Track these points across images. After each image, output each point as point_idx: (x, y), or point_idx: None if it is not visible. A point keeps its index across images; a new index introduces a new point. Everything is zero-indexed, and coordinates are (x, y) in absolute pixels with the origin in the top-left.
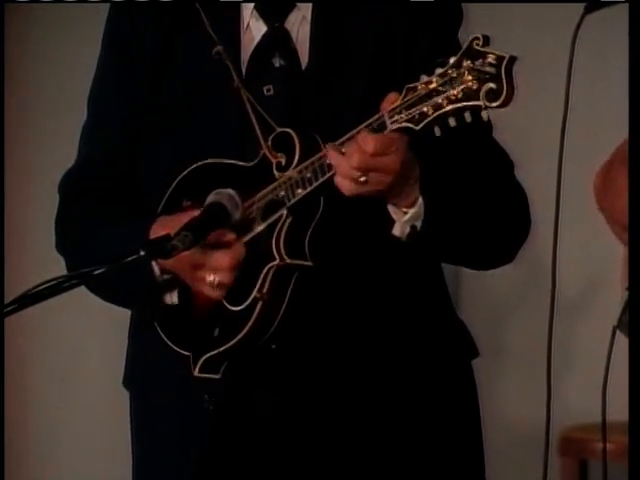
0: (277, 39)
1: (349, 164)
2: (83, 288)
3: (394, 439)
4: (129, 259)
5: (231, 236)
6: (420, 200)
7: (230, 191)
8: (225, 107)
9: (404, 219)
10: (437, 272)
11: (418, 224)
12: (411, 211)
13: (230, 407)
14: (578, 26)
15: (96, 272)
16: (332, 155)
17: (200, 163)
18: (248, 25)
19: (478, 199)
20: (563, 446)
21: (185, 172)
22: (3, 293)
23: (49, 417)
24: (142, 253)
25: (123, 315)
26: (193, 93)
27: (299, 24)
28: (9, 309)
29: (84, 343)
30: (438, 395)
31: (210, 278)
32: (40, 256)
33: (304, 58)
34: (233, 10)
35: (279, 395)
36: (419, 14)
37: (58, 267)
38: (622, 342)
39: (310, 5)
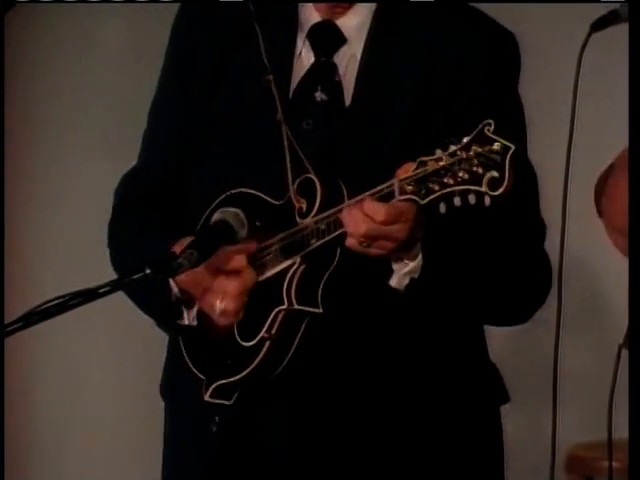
0: (322, 73)
1: (357, 231)
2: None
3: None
4: (134, 277)
5: (242, 263)
6: (420, 256)
7: (236, 210)
8: (266, 135)
9: (403, 271)
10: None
11: (416, 276)
12: (411, 264)
13: (235, 431)
14: (584, 45)
15: (100, 290)
16: (343, 217)
17: (235, 191)
18: (300, 54)
19: (492, 261)
20: (569, 464)
21: (221, 198)
22: (3, 311)
23: (54, 432)
24: (147, 271)
25: (128, 331)
26: (239, 115)
27: (348, 60)
28: (15, 327)
29: (89, 359)
30: (464, 440)
31: (219, 305)
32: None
33: (348, 95)
34: (290, 36)
35: (287, 423)
36: (474, 61)
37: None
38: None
39: (362, 43)
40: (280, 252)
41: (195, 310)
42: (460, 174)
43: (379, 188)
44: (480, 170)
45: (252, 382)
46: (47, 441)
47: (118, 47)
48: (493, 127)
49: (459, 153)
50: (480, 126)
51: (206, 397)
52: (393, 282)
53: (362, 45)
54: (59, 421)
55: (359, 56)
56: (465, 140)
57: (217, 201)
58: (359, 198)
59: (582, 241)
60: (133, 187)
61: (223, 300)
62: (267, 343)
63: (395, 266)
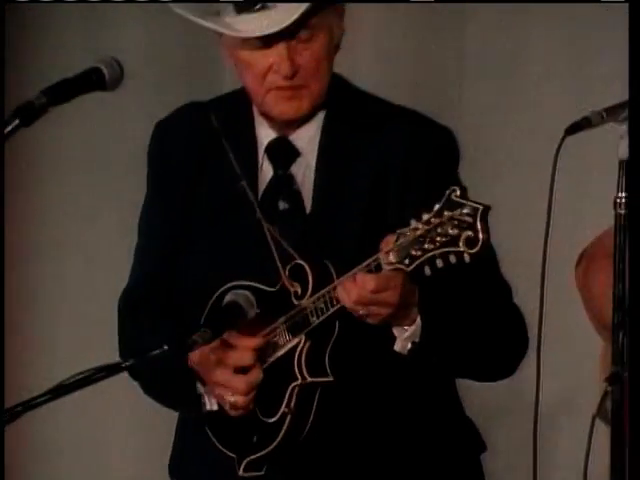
0: (281, 184)
1: (350, 300)
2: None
3: None
4: (154, 352)
5: (250, 360)
6: (419, 319)
7: (246, 292)
8: (246, 232)
9: (404, 336)
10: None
11: (417, 340)
12: (411, 329)
13: None
14: (559, 148)
15: (124, 365)
16: (339, 292)
17: (235, 283)
18: (262, 166)
19: (477, 320)
20: None
21: (221, 290)
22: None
23: None
24: (165, 347)
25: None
26: (219, 218)
27: (304, 170)
28: (45, 398)
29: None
30: None
31: (229, 398)
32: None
33: (308, 202)
34: (252, 151)
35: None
36: (416, 158)
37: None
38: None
39: (315, 153)
40: (286, 333)
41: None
42: (438, 238)
43: (367, 262)
44: (455, 232)
45: (279, 453)
46: None
47: None
48: (459, 192)
49: (433, 220)
50: (447, 193)
51: (240, 472)
52: (397, 347)
53: (315, 155)
54: None
55: (314, 165)
56: (436, 207)
57: (217, 294)
58: (350, 274)
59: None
60: (134, 300)
61: (234, 395)
62: (288, 417)
63: (396, 332)
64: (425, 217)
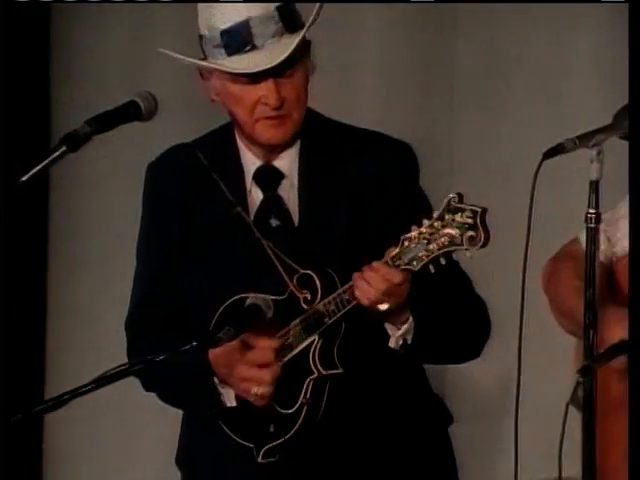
0: (272, 205)
1: (378, 289)
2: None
3: None
4: (185, 347)
5: (271, 357)
6: (410, 319)
7: (264, 296)
8: (247, 251)
9: (398, 334)
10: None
11: (409, 338)
12: (404, 327)
13: None
14: (537, 170)
15: (157, 359)
16: (356, 281)
17: (243, 295)
18: (250, 191)
19: (451, 311)
20: None
21: (230, 300)
22: None
23: None
24: (194, 343)
25: None
26: (217, 241)
27: (289, 190)
28: (89, 388)
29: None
30: (423, 456)
31: (255, 390)
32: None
33: (296, 217)
34: (240, 179)
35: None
36: (384, 173)
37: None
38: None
39: (296, 174)
40: (301, 333)
41: (233, 393)
42: (442, 239)
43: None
44: (458, 233)
45: (295, 440)
46: None
47: None
48: (457, 198)
49: (435, 224)
50: (446, 200)
51: (259, 459)
52: (392, 344)
53: (297, 176)
54: None
55: (296, 185)
56: (436, 214)
57: (227, 302)
58: (374, 269)
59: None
60: (141, 320)
61: (260, 386)
62: (305, 408)
63: (390, 330)
64: (427, 222)
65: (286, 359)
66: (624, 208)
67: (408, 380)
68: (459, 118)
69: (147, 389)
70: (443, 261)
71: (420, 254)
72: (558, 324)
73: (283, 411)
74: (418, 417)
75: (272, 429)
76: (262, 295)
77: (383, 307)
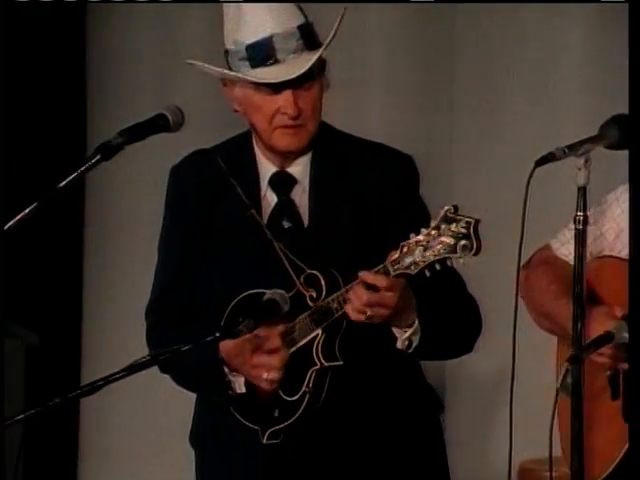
0: (285, 208)
1: (360, 301)
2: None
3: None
4: (208, 339)
5: (278, 343)
6: (416, 322)
7: (281, 291)
8: (258, 250)
9: (404, 336)
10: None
11: (414, 339)
12: (410, 330)
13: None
14: (530, 176)
15: (183, 349)
16: (350, 295)
17: (253, 291)
18: (265, 196)
19: (451, 313)
20: (521, 474)
21: (241, 296)
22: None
23: None
24: (217, 334)
25: None
26: (232, 240)
27: (300, 194)
28: (120, 375)
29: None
30: (415, 441)
31: (266, 376)
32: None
33: (305, 219)
34: (255, 183)
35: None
36: (387, 182)
37: None
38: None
39: (308, 180)
40: (307, 328)
41: (243, 381)
42: (438, 247)
43: (376, 269)
44: (453, 241)
45: (297, 424)
46: None
47: None
48: (453, 209)
49: (432, 232)
50: (444, 210)
51: (264, 441)
52: (399, 345)
53: (308, 182)
54: None
55: (307, 190)
56: (434, 223)
57: (238, 298)
58: (359, 280)
59: None
60: (160, 310)
61: (270, 372)
62: (307, 396)
63: (397, 333)
64: (424, 231)
65: (291, 351)
66: (592, 215)
67: (401, 371)
68: (458, 119)
69: (162, 371)
70: (438, 267)
71: (417, 260)
72: (536, 324)
73: (287, 398)
74: (410, 405)
75: (277, 414)
76: (280, 290)
77: (375, 320)
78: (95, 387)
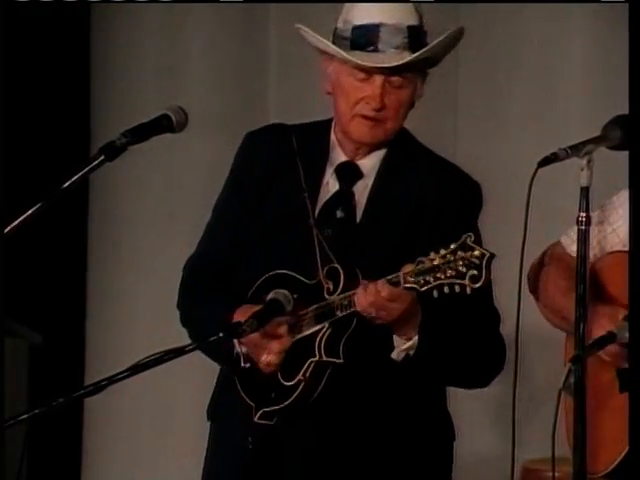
0: (342, 198)
1: (366, 300)
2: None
3: None
4: (213, 338)
5: (283, 331)
6: (415, 339)
7: (285, 291)
8: (300, 235)
9: (401, 348)
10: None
11: (412, 353)
12: (408, 343)
13: (264, 450)
14: (533, 176)
15: (187, 349)
16: (358, 292)
17: (280, 271)
18: (328, 183)
19: (466, 344)
20: (524, 474)
21: (267, 275)
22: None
23: None
24: (221, 334)
25: None
26: (280, 220)
27: (362, 189)
28: (125, 375)
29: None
30: (422, 465)
31: (264, 358)
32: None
33: (360, 214)
34: (321, 170)
35: (306, 446)
36: (447, 201)
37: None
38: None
39: (373, 178)
40: (314, 319)
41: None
42: (449, 271)
43: (389, 277)
44: (464, 269)
45: (289, 410)
46: None
47: None
48: (473, 238)
49: (448, 256)
50: (463, 237)
51: (255, 419)
52: (394, 355)
53: (373, 179)
54: None
55: (370, 187)
56: (452, 247)
57: (264, 277)
58: (374, 283)
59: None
60: (197, 267)
61: (268, 355)
62: (302, 384)
63: (396, 342)
64: (442, 252)
65: (297, 337)
66: (604, 211)
67: (422, 394)
68: (462, 121)
69: (183, 324)
70: (447, 290)
71: (427, 278)
72: (545, 319)
73: (284, 382)
74: (425, 429)
75: (273, 395)
76: (283, 290)
77: (378, 321)
78: (99, 387)
